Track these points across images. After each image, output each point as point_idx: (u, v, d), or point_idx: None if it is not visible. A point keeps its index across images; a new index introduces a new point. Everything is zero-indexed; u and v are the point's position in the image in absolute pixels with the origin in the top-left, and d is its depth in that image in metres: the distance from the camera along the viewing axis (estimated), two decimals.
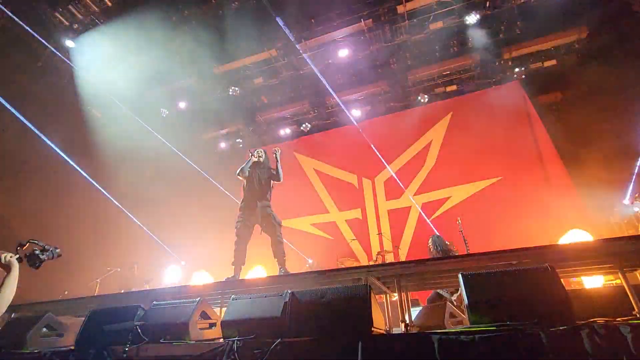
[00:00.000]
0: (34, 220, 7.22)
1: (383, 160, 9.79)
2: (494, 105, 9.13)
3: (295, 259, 8.19)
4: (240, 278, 4.23)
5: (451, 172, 9.13)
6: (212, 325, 2.96)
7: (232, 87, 9.74)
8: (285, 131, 11.18)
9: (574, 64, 8.73)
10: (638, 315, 2.28)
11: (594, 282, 4.76)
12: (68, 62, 8.57)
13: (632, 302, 2.37)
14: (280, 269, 4.25)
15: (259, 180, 4.57)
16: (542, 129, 8.69)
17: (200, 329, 2.78)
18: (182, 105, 10.31)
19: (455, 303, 3.74)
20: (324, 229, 10.01)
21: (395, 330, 3.33)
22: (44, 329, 3.18)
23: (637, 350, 1.65)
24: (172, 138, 10.22)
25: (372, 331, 2.18)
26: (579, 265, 3.00)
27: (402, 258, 8.35)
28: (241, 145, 11.36)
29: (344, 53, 8.88)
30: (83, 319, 3.01)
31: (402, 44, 8.83)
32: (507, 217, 7.77)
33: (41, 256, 2.10)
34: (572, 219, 7.00)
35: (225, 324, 2.54)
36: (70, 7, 7.94)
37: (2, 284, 1.99)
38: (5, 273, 2.02)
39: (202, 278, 8.26)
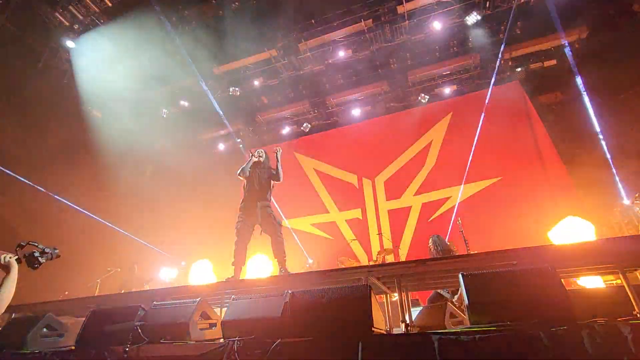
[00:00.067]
0: (34, 220, 7.23)
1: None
2: (494, 105, 9.14)
3: (296, 259, 8.18)
4: (240, 278, 4.23)
5: (451, 172, 9.13)
6: (212, 325, 2.95)
7: (232, 87, 9.74)
8: (285, 131, 11.18)
9: (574, 64, 8.73)
10: (638, 316, 2.28)
11: (594, 282, 4.76)
12: (68, 62, 8.58)
13: (633, 302, 2.37)
14: (280, 269, 4.25)
15: (259, 180, 4.57)
16: (542, 129, 8.70)
17: (201, 329, 2.78)
18: (182, 105, 10.32)
19: (455, 303, 3.74)
20: (324, 229, 10.01)
21: (396, 331, 3.33)
22: (44, 330, 3.17)
23: (638, 350, 1.65)
24: (172, 138, 10.22)
25: (373, 331, 2.18)
26: (580, 265, 3.00)
27: (402, 258, 8.35)
28: (241, 145, 11.36)
29: (344, 53, 8.88)
30: (83, 319, 3.00)
31: (402, 44, 8.83)
32: (507, 217, 7.76)
33: (40, 259, 2.11)
34: None
35: (225, 324, 2.54)
36: (70, 7, 7.95)
37: (1, 284, 1.99)
38: (5, 274, 2.02)
39: (203, 267, 8.25)
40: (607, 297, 2.58)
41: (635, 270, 3.05)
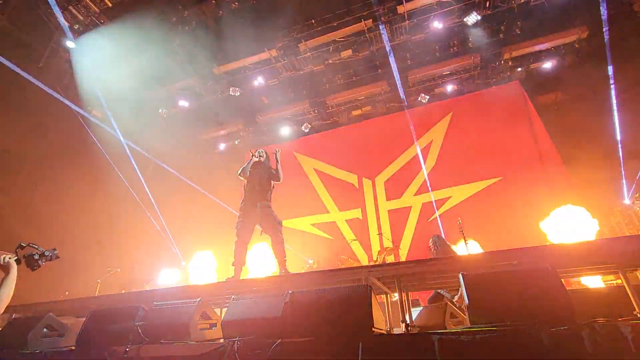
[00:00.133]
0: (34, 220, 7.23)
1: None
2: (494, 105, 9.14)
3: (296, 259, 8.19)
4: (240, 278, 4.23)
5: (451, 172, 9.13)
6: (212, 325, 2.96)
7: (232, 87, 9.75)
8: (285, 131, 11.19)
9: (574, 64, 8.73)
10: (639, 316, 2.28)
11: (594, 282, 4.76)
12: (68, 62, 8.57)
13: (633, 302, 2.37)
14: (280, 269, 4.24)
15: (259, 181, 4.56)
16: (542, 129, 8.70)
17: (201, 329, 2.78)
18: (181, 105, 10.32)
19: (455, 303, 3.74)
20: (324, 229, 10.01)
21: (396, 331, 3.33)
22: (45, 330, 3.17)
23: (638, 350, 1.65)
24: (172, 138, 10.22)
25: (373, 331, 2.18)
26: (580, 265, 3.00)
27: (403, 258, 8.35)
28: (237, 143, 11.34)
29: (344, 53, 8.88)
30: (84, 319, 3.01)
31: (402, 44, 8.83)
32: (507, 217, 7.77)
33: (39, 261, 2.12)
34: None
35: (225, 324, 2.55)
36: (70, 7, 7.95)
37: (1, 284, 1.99)
38: (4, 274, 2.02)
39: (205, 258, 8.25)
40: (607, 297, 2.58)
41: (636, 270, 3.05)
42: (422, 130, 10.00)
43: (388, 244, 8.42)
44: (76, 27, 8.29)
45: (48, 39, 8.20)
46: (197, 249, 9.41)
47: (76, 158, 8.45)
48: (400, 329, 2.90)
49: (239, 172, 4.64)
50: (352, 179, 10.33)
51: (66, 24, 8.03)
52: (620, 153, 7.63)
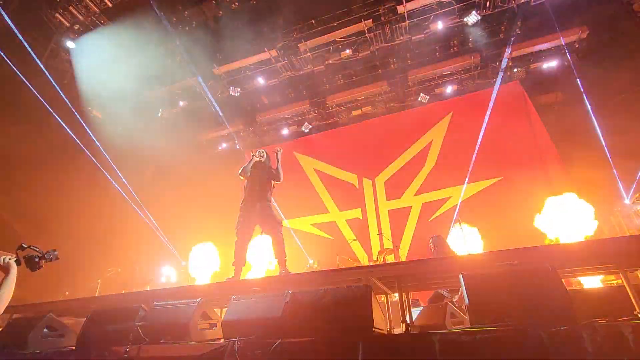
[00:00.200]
0: (34, 220, 7.23)
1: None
2: (494, 106, 9.13)
3: (296, 259, 8.19)
4: (240, 278, 4.23)
5: (451, 172, 9.13)
6: (212, 325, 2.96)
7: (232, 87, 9.75)
8: (285, 131, 11.19)
9: (574, 64, 8.72)
10: (639, 316, 2.28)
11: (594, 282, 4.76)
12: (68, 62, 8.58)
13: (634, 302, 2.37)
14: (280, 269, 4.25)
15: (259, 180, 4.56)
16: (542, 129, 8.69)
17: (201, 329, 2.79)
18: (182, 105, 10.32)
19: (455, 303, 3.74)
20: (324, 229, 10.01)
21: (396, 331, 3.33)
22: (45, 330, 3.17)
23: (639, 350, 1.65)
24: (172, 138, 10.22)
25: (373, 331, 2.18)
26: (580, 265, 3.00)
27: (403, 258, 8.34)
28: (238, 146, 11.34)
29: (343, 53, 8.88)
30: (84, 319, 3.01)
31: (402, 44, 8.83)
32: (507, 217, 7.76)
33: (40, 262, 2.13)
34: None
35: (226, 324, 2.55)
36: (70, 7, 7.95)
37: (1, 285, 2.00)
38: (4, 275, 2.02)
39: (206, 250, 8.24)
40: (607, 297, 2.58)
41: (636, 270, 3.05)
42: (422, 130, 10.00)
43: (388, 244, 8.42)
44: (76, 27, 8.30)
45: (48, 39, 8.20)
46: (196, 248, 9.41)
47: (76, 158, 8.44)
48: (400, 329, 2.90)
49: (240, 171, 4.64)
50: (352, 179, 10.33)
51: (66, 24, 8.05)
52: (620, 153, 7.62)
